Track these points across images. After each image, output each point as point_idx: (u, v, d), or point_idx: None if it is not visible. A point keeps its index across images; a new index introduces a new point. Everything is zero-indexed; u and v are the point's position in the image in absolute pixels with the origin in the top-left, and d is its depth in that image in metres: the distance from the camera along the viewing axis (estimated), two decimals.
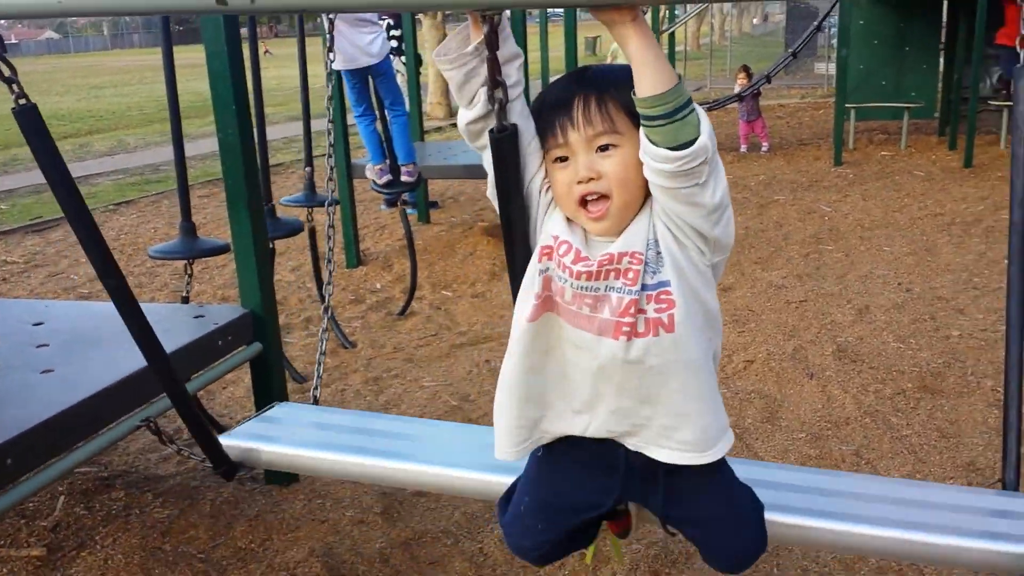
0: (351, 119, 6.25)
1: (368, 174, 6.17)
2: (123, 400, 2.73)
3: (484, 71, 1.58)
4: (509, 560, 2.86)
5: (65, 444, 2.55)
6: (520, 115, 1.62)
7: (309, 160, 5.26)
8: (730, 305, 5.33)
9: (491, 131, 1.61)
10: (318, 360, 3.15)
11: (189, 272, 3.91)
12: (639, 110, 1.46)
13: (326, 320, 3.28)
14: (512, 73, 1.60)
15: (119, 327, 3.20)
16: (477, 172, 6.77)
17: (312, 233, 5.06)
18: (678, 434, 1.63)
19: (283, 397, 3.41)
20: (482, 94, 1.60)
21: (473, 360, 4.72)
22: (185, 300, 3.91)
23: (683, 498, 1.74)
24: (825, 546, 2.55)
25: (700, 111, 1.47)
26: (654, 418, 1.62)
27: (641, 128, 1.48)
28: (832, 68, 18.62)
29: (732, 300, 5.43)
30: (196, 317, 3.34)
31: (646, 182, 1.53)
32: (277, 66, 31.14)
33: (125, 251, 7.33)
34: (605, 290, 1.56)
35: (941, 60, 12.26)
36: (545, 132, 1.61)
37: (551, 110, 1.60)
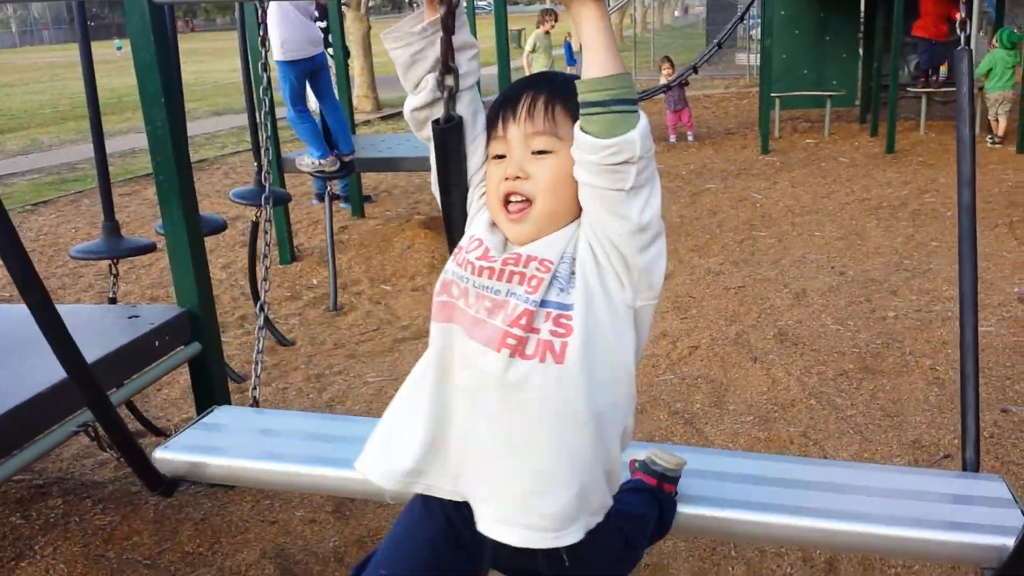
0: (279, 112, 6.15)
1: (305, 168, 6.07)
2: (59, 405, 2.61)
3: (432, 55, 1.53)
4: None
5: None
6: (468, 108, 1.57)
7: (259, 154, 5.15)
8: (671, 292, 5.36)
9: (435, 121, 1.56)
10: (255, 359, 3.05)
11: (115, 272, 3.77)
12: (580, 96, 1.37)
13: (262, 317, 3.18)
14: (463, 62, 1.55)
15: None
16: (410, 165, 6.78)
17: (255, 228, 4.95)
18: (540, 504, 1.44)
19: (224, 397, 3.30)
20: (429, 80, 1.55)
21: (417, 354, 4.58)
22: (112, 301, 3.77)
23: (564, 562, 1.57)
24: (785, 542, 2.56)
25: (643, 117, 1.36)
26: (519, 478, 1.44)
27: (578, 122, 1.38)
28: (753, 59, 18.96)
29: (672, 288, 5.45)
30: (131, 318, 3.22)
31: (576, 197, 1.43)
32: (195, 61, 30.50)
33: (46, 252, 7.04)
34: (506, 295, 1.43)
35: (860, 49, 12.55)
36: (489, 127, 1.56)
37: (501, 101, 1.54)
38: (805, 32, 12.03)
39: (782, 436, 3.56)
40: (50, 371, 2.68)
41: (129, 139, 13.63)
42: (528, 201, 1.45)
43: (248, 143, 12.80)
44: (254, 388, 2.97)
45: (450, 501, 1.54)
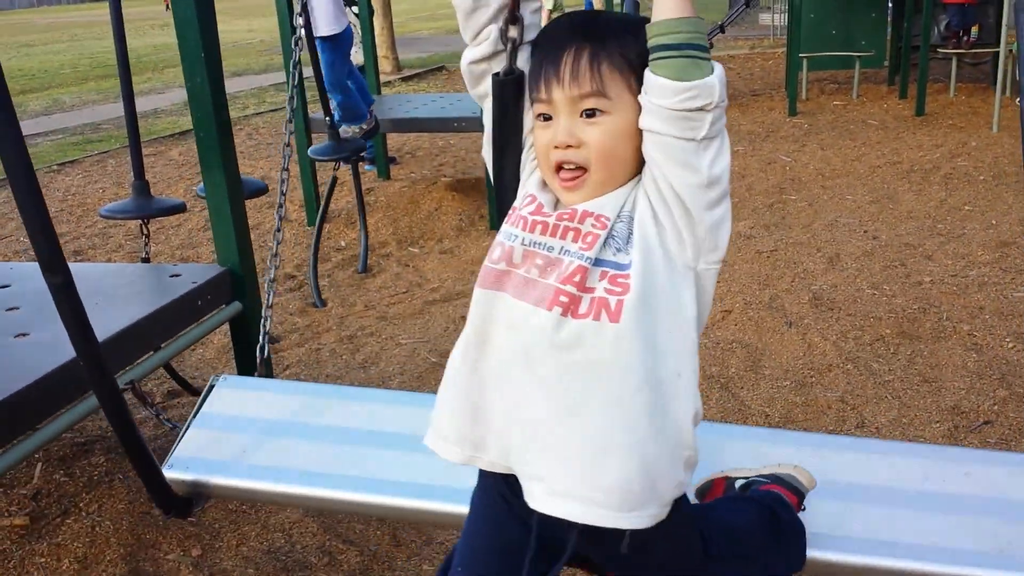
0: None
1: (348, 134, 6.03)
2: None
3: (495, 2, 1.45)
4: None
5: (49, 410, 2.45)
6: (528, 64, 1.49)
7: (327, 109, 5.12)
8: None
9: (495, 74, 1.48)
10: (263, 315, 2.97)
11: (146, 232, 3.76)
12: (649, 41, 1.31)
13: (272, 271, 3.11)
14: (527, 15, 1.47)
15: (92, 286, 3.09)
16: (434, 126, 6.74)
17: (333, 184, 5.01)
18: (598, 475, 1.34)
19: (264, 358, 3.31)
20: (492, 31, 1.47)
21: (448, 316, 4.64)
22: (145, 260, 3.77)
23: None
24: None
25: (719, 67, 1.31)
26: (574, 446, 1.35)
27: (648, 68, 1.32)
28: (777, 19, 18.68)
29: None
30: (172, 276, 3.23)
31: (634, 156, 1.37)
32: None
33: (75, 212, 7.06)
34: (560, 252, 1.36)
35: (890, 9, 12.33)
36: (531, 81, 1.46)
37: (542, 56, 1.45)
38: None
39: (819, 401, 3.55)
40: (98, 327, 2.68)
41: (151, 100, 13.61)
42: (583, 169, 1.38)
43: (269, 104, 12.78)
44: (261, 348, 2.88)
45: (502, 478, 1.48)
